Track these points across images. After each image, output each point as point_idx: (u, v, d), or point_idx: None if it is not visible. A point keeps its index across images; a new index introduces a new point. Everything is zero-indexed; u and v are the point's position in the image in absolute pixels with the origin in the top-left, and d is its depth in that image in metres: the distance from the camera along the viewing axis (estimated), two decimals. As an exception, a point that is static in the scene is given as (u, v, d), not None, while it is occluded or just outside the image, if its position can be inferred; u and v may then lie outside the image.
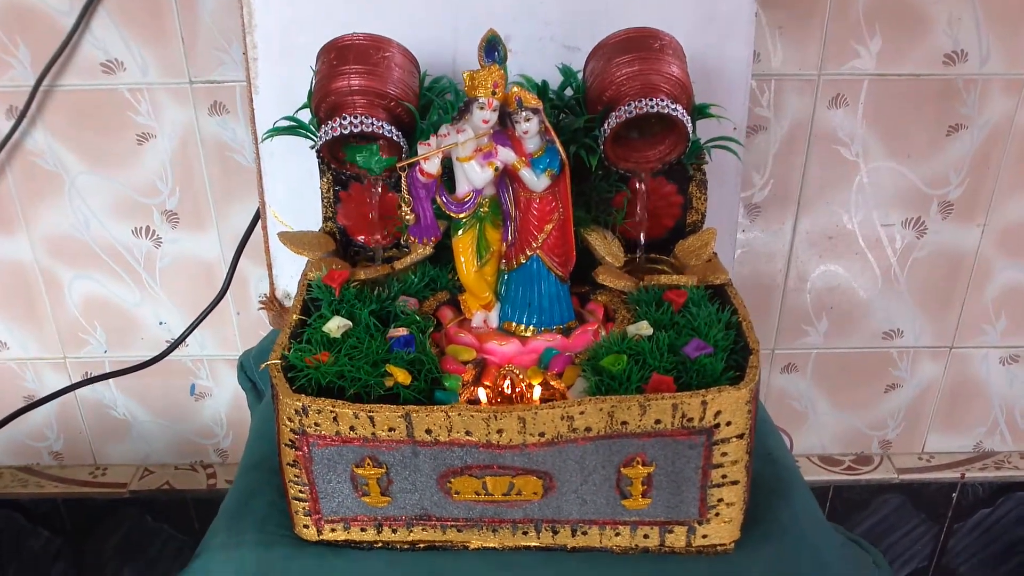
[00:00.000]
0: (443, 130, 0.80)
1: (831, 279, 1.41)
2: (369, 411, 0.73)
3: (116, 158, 1.31)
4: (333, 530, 0.81)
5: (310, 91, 0.90)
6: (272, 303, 1.13)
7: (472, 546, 0.81)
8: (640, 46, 0.86)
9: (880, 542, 1.58)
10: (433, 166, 0.79)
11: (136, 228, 1.36)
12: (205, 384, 1.48)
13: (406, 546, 0.81)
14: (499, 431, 0.73)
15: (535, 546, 0.81)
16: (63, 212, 1.34)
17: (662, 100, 0.83)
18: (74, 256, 1.37)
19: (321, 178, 0.94)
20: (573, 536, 0.81)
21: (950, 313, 1.44)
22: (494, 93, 0.78)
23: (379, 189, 0.91)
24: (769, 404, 1.51)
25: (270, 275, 1.13)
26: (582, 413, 0.73)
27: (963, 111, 1.29)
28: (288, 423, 0.75)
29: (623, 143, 0.89)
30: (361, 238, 0.96)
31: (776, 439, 0.96)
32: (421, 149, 0.79)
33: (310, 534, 0.81)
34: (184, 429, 1.52)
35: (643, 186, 0.89)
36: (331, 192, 0.95)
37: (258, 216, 1.14)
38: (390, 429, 0.74)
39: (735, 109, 1.09)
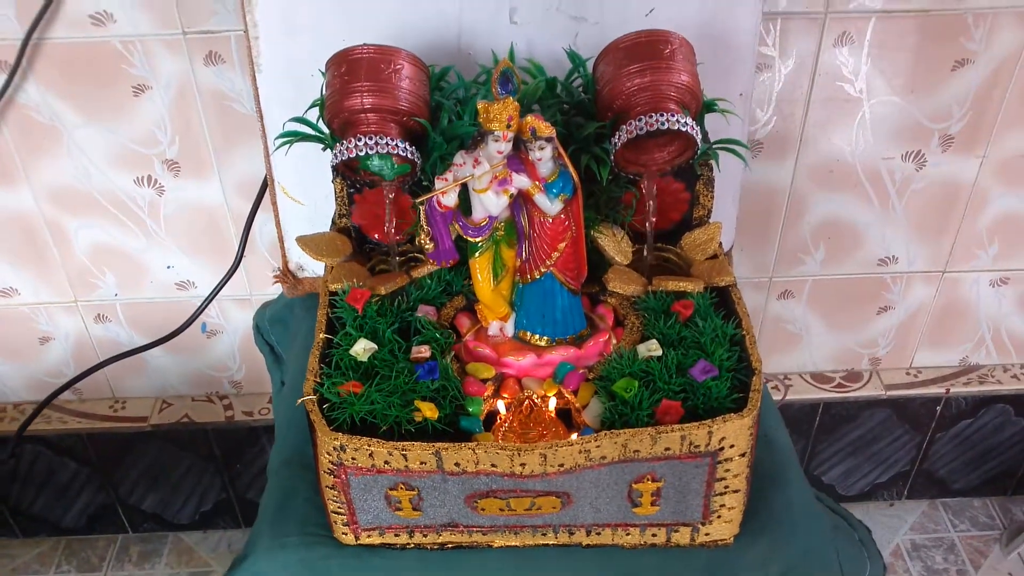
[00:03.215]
0: (458, 159, 0.81)
1: (830, 211, 1.43)
2: (403, 449, 0.77)
3: (113, 110, 1.29)
4: (369, 536, 0.87)
5: (322, 102, 0.89)
6: (286, 275, 1.15)
7: (496, 545, 0.87)
8: (650, 53, 0.85)
9: (865, 450, 1.67)
10: (451, 200, 0.80)
11: (138, 178, 1.35)
12: (216, 322, 1.52)
13: (436, 547, 0.87)
14: (523, 464, 0.78)
15: (553, 544, 0.87)
16: (63, 164, 1.33)
17: (672, 116, 0.83)
18: (78, 206, 1.37)
19: (334, 179, 0.95)
20: (588, 536, 0.87)
21: (944, 240, 1.47)
22: (508, 127, 0.78)
23: (392, 193, 0.91)
24: (765, 328, 1.56)
25: (282, 248, 1.15)
26: (598, 446, 0.77)
27: (970, 46, 1.28)
28: (327, 456, 0.79)
29: (632, 144, 0.90)
30: (376, 236, 0.97)
31: (773, 417, 1.01)
32: (439, 184, 0.80)
33: (348, 539, 0.87)
34: (198, 363, 1.57)
35: (651, 188, 0.90)
36: (344, 192, 0.95)
37: (265, 185, 1.15)
38: (421, 463, 0.78)
39: (742, 74, 1.08)
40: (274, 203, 1.13)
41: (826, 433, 1.64)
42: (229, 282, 1.46)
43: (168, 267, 1.45)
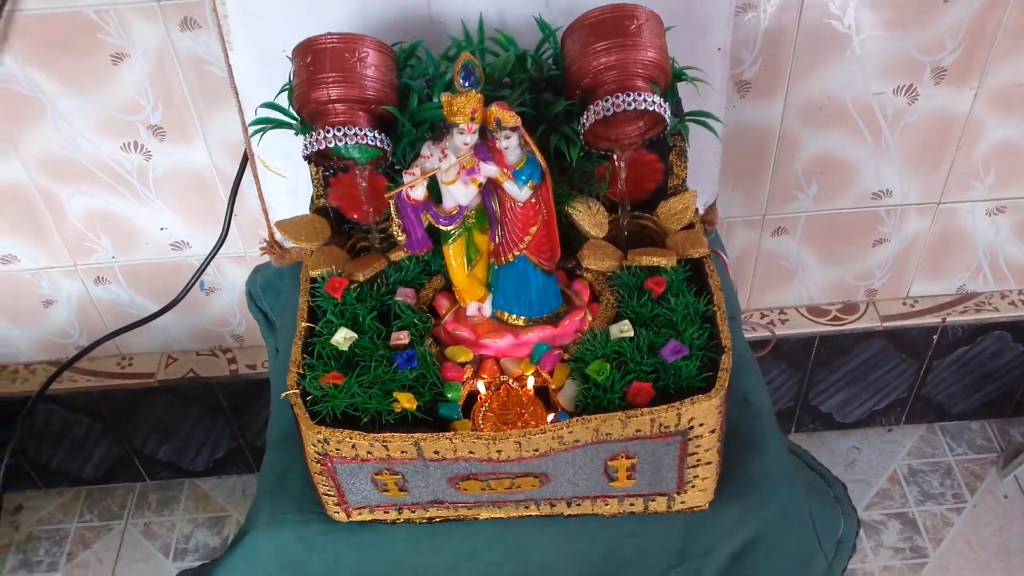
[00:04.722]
0: (425, 151, 0.81)
1: (822, 148, 1.42)
2: (383, 440, 0.80)
3: (93, 79, 1.29)
4: (360, 514, 0.90)
5: (290, 89, 0.88)
6: (272, 246, 1.16)
7: (481, 517, 0.90)
8: (616, 30, 0.84)
9: (862, 380, 1.69)
10: (419, 193, 0.81)
11: (125, 144, 1.36)
12: (213, 280, 1.54)
13: (424, 521, 0.91)
14: (499, 451, 0.80)
15: (536, 515, 0.90)
16: (49, 134, 1.34)
17: (640, 95, 0.82)
18: (68, 174, 1.38)
19: (309, 164, 0.95)
20: (569, 507, 0.90)
21: (939, 172, 1.45)
22: (473, 119, 0.78)
23: (367, 174, 0.91)
24: (759, 265, 1.56)
25: (267, 219, 1.16)
26: (571, 432, 0.79)
27: (964, -24, 1.24)
28: (312, 447, 0.82)
29: (602, 120, 0.89)
30: (355, 216, 0.98)
31: (754, 379, 1.02)
32: (406, 178, 0.80)
33: (340, 517, 0.90)
34: (199, 320, 1.59)
35: (622, 163, 0.89)
36: (320, 175, 0.95)
37: (246, 159, 1.15)
38: (402, 452, 0.81)
39: (719, 29, 1.06)
40: (255, 176, 1.13)
41: (823, 365, 1.66)
42: (224, 241, 1.47)
43: (162, 229, 1.46)
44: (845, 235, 1.53)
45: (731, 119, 1.37)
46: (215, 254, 1.32)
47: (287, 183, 1.13)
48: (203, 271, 1.37)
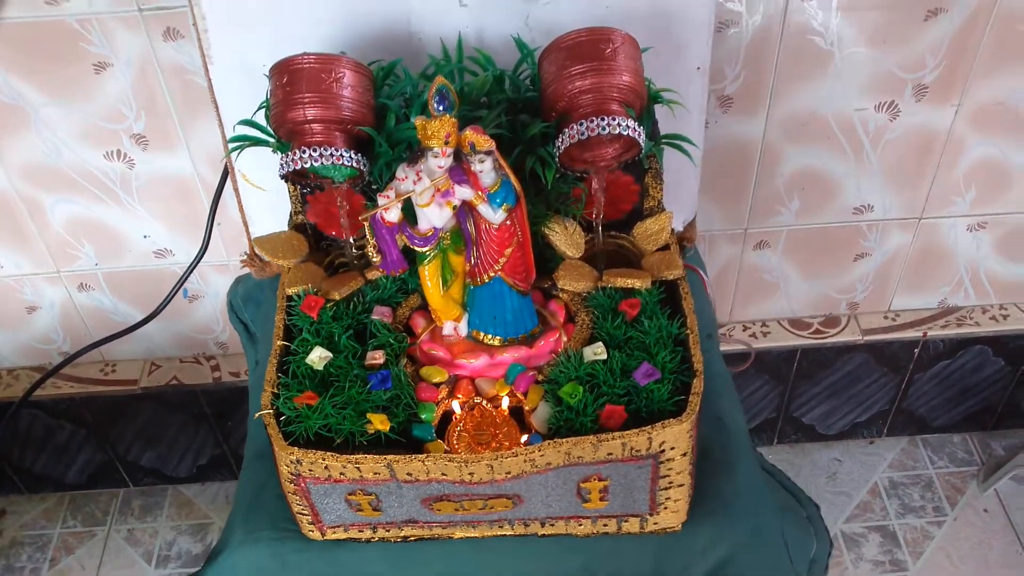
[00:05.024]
0: (400, 173, 0.81)
1: (804, 163, 1.42)
2: (356, 462, 0.80)
3: (76, 88, 1.29)
4: (334, 532, 0.90)
5: (267, 109, 0.89)
6: (253, 259, 1.16)
7: (456, 536, 0.91)
8: (592, 53, 0.85)
9: (843, 393, 1.70)
10: (394, 215, 0.81)
11: (108, 152, 1.36)
12: (197, 287, 1.54)
13: (399, 540, 0.91)
14: (471, 473, 0.80)
15: (510, 534, 0.91)
16: (32, 143, 1.34)
17: (614, 119, 0.83)
18: (51, 182, 1.38)
19: (286, 182, 0.95)
20: (542, 527, 0.90)
21: (920, 187, 1.46)
22: (447, 143, 0.78)
23: (343, 195, 0.92)
24: (741, 278, 1.57)
25: (247, 232, 1.16)
26: (542, 455, 0.79)
27: (944, -6, 1.25)
28: (286, 467, 0.82)
29: (578, 143, 0.89)
30: (332, 233, 0.98)
31: (729, 399, 1.03)
32: (381, 200, 0.80)
33: (315, 536, 0.91)
34: (183, 327, 1.59)
35: (599, 184, 0.90)
36: (298, 192, 0.96)
37: (227, 172, 1.15)
38: (375, 473, 0.81)
39: (698, 49, 1.07)
40: (236, 190, 1.13)
41: (805, 378, 1.67)
42: (207, 250, 1.47)
43: (145, 236, 1.46)
44: (827, 249, 1.54)
45: (713, 134, 1.37)
46: (196, 264, 1.32)
47: (268, 196, 1.13)
48: (184, 281, 1.37)
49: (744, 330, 1.63)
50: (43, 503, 1.77)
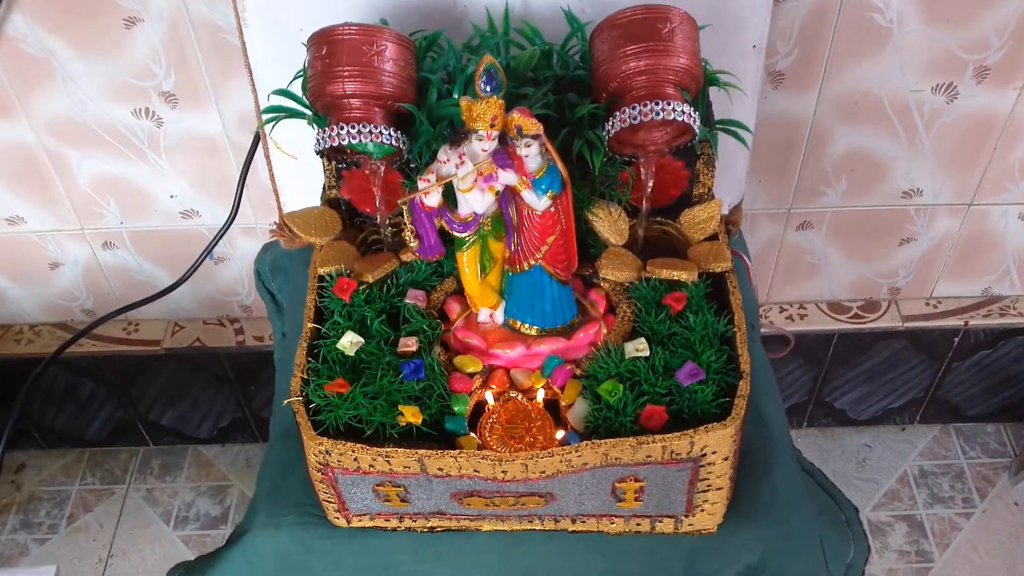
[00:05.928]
0: (441, 155, 0.77)
1: (853, 143, 1.37)
2: (387, 455, 0.77)
3: (105, 43, 1.24)
4: (360, 520, 0.88)
5: (305, 79, 0.85)
6: (283, 229, 1.12)
7: (484, 529, 0.88)
8: (648, 33, 0.80)
9: (878, 379, 1.65)
10: (434, 200, 0.77)
11: (136, 110, 1.32)
12: (223, 250, 1.51)
13: (426, 530, 0.89)
14: (504, 471, 0.77)
15: (539, 529, 0.88)
16: (59, 97, 1.30)
17: (669, 103, 0.78)
18: (77, 137, 1.35)
19: (322, 158, 0.91)
20: (573, 523, 0.87)
21: (973, 173, 1.41)
22: (492, 126, 0.74)
23: (381, 169, 0.88)
24: (781, 258, 1.52)
25: (277, 202, 1.12)
26: (579, 455, 0.76)
27: (1014, -30, 1.19)
28: (314, 456, 0.79)
29: (629, 126, 0.85)
30: (367, 210, 0.94)
31: (769, 393, 0.99)
32: (421, 184, 0.76)
33: (341, 523, 0.88)
34: (208, 288, 1.57)
35: (648, 170, 0.86)
36: (333, 166, 0.92)
37: (258, 138, 1.11)
38: (405, 467, 0.78)
39: (756, 25, 1.01)
40: (267, 157, 1.09)
41: (840, 362, 1.63)
42: (235, 218, 1.44)
43: (172, 196, 1.43)
44: (872, 233, 1.49)
45: (762, 111, 1.32)
46: (226, 230, 1.29)
47: (299, 165, 1.09)
48: (214, 245, 1.34)
49: (781, 312, 1.59)
50: (62, 459, 1.76)
